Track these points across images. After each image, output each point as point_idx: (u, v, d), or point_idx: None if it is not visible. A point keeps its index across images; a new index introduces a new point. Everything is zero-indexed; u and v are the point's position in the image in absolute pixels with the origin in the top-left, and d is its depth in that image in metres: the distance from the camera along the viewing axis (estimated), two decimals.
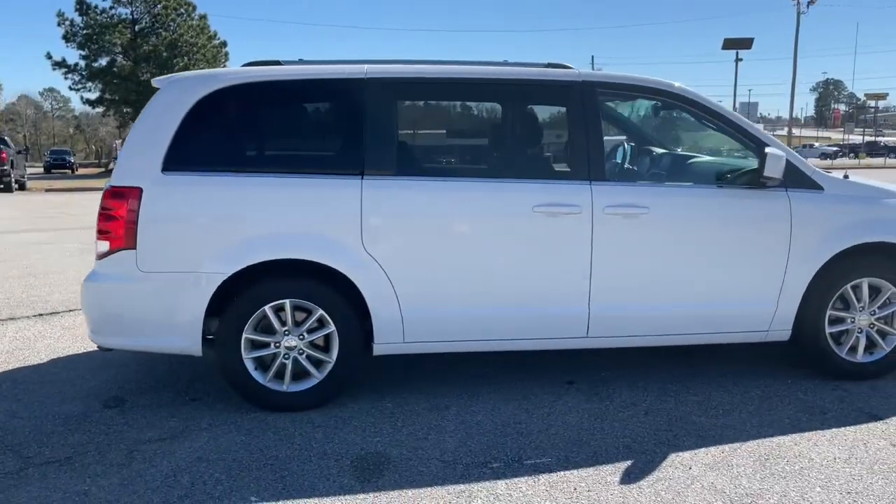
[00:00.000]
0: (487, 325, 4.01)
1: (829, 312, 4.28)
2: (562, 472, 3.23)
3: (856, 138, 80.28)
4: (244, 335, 3.80)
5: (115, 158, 17.03)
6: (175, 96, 3.88)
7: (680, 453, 3.42)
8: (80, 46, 44.01)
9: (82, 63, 44.55)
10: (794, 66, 48.73)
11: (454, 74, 4.19)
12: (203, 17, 46.55)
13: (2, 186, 24.72)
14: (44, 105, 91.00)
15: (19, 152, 28.74)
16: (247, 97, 3.97)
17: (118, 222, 3.73)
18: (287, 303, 3.82)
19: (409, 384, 4.34)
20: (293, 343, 3.86)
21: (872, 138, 76.67)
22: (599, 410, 3.94)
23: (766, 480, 3.16)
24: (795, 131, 71.01)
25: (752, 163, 4.18)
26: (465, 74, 4.21)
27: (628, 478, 3.19)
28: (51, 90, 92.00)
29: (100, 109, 49.38)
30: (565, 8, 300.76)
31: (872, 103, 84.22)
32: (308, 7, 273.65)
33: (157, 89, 3.96)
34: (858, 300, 4.33)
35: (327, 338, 3.90)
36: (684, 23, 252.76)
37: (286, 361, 3.86)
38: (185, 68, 39.70)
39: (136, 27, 45.14)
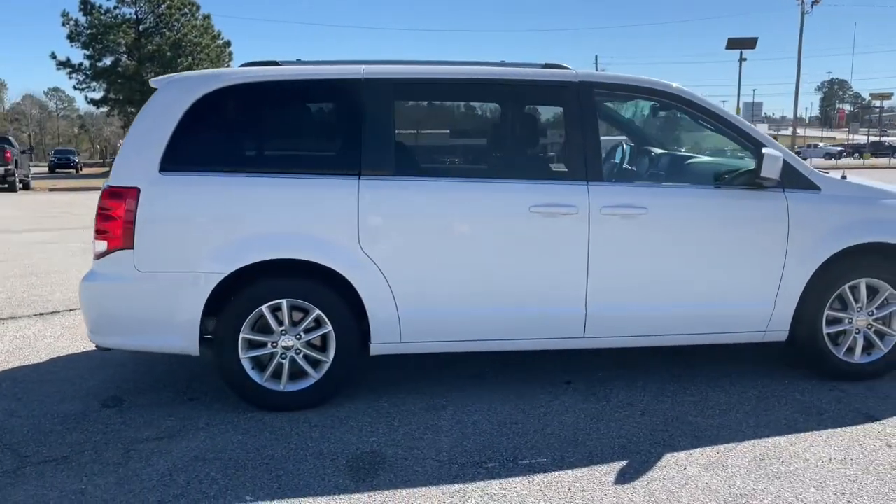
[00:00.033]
0: (484, 326, 4.02)
1: (826, 313, 4.28)
2: (557, 472, 3.24)
3: (860, 138, 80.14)
4: (241, 335, 3.81)
5: None
6: (173, 97, 3.89)
7: (675, 453, 3.42)
8: (85, 46, 44.10)
9: (87, 63, 44.67)
10: (799, 66, 48.61)
11: (452, 75, 4.20)
12: (207, 16, 46.64)
13: (6, 186, 24.85)
14: (48, 105, 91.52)
15: (24, 152, 28.87)
16: (244, 98, 3.99)
17: (116, 222, 3.75)
18: (284, 303, 3.83)
19: (406, 384, 4.35)
20: (290, 343, 3.87)
21: (877, 138, 76.51)
22: (596, 410, 3.94)
23: (760, 481, 3.16)
24: (800, 131, 70.75)
25: (750, 163, 4.18)
26: (462, 75, 4.21)
27: (623, 478, 3.19)
28: (55, 90, 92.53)
29: (104, 109, 49.47)
30: (565, 8, 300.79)
31: (877, 103, 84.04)
32: (309, 7, 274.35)
33: (156, 89, 3.98)
34: (856, 301, 4.32)
35: (324, 338, 3.92)
36: (686, 23, 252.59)
37: (283, 361, 3.88)
38: (189, 68, 39.77)
39: (141, 27, 45.22)
